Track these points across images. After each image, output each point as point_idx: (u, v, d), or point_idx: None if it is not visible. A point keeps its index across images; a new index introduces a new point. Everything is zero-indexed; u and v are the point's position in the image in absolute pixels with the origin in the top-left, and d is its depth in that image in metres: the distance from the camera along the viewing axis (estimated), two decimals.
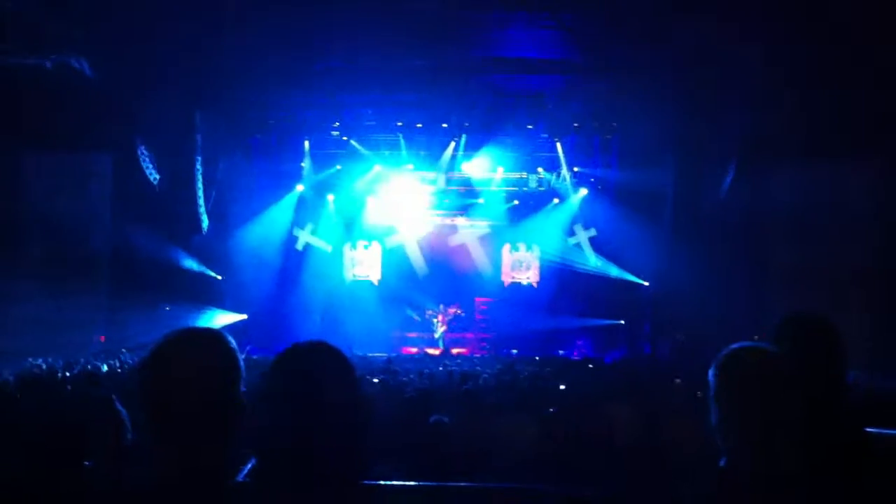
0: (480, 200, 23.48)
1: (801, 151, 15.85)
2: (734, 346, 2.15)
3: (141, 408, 1.90)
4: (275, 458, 1.88)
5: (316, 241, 23.40)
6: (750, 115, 16.31)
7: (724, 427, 2.10)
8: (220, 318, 20.18)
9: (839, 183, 15.96)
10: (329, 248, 23.50)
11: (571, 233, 23.02)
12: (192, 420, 1.84)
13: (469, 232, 24.13)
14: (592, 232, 22.74)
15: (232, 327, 20.24)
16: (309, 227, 23.30)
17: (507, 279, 23.94)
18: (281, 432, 1.87)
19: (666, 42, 14.95)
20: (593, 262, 22.54)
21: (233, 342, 2.02)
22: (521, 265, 23.97)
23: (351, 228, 23.80)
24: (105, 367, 12.25)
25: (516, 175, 23.26)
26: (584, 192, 22.68)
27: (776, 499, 1.98)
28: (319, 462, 1.85)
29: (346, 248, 23.92)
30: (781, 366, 2.10)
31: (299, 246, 23.18)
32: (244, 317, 20.93)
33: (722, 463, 2.11)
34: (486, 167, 22.57)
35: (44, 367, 12.30)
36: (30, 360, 13.28)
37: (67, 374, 11.48)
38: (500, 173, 22.85)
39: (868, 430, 2.80)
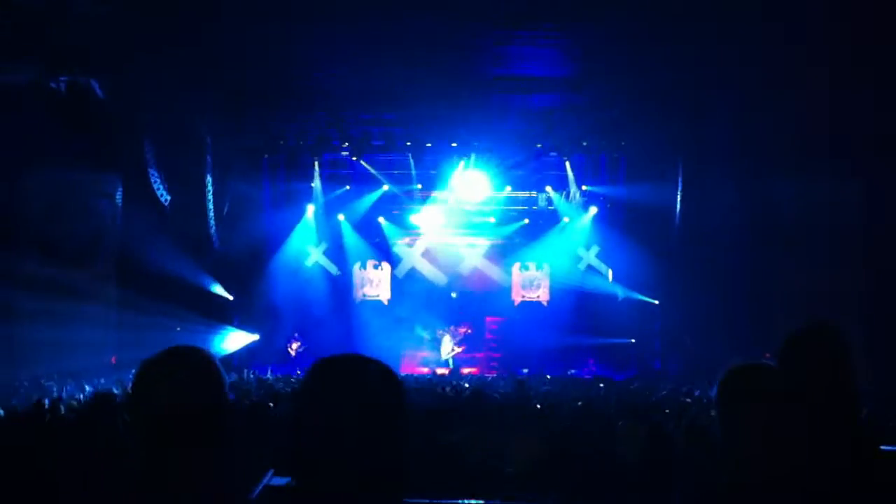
0: (491, 219, 23.51)
1: (802, 164, 15.88)
2: (736, 364, 2.17)
3: (131, 427, 1.94)
4: (310, 472, 1.86)
5: (325, 262, 23.43)
6: (752, 128, 16.36)
7: (729, 443, 2.11)
8: (232, 338, 20.20)
9: (839, 195, 15.99)
10: (338, 272, 23.51)
11: (580, 258, 23.08)
12: (174, 435, 1.88)
13: (478, 251, 24.14)
14: (595, 249, 22.80)
15: (245, 347, 20.36)
16: (322, 246, 23.35)
17: (517, 298, 23.91)
18: (323, 444, 1.85)
19: (670, 58, 15.02)
20: (608, 280, 22.55)
21: (215, 358, 2.04)
22: (532, 284, 23.95)
23: (361, 248, 23.81)
24: (117, 390, 12.25)
25: (525, 194, 23.34)
26: (593, 210, 22.72)
27: None
28: (359, 477, 1.83)
29: (356, 269, 23.93)
30: (782, 382, 2.11)
31: (309, 262, 23.21)
32: (256, 337, 20.94)
33: (729, 478, 2.11)
34: (496, 186, 22.66)
35: (55, 390, 12.33)
36: (42, 381, 13.31)
37: (80, 396, 11.52)
38: (508, 192, 22.92)
39: (883, 447, 2.79)
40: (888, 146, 14.09)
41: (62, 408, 8.92)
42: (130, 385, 1.99)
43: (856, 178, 15.67)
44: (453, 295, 23.63)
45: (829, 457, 2.23)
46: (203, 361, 2.00)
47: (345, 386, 1.91)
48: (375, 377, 1.94)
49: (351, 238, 23.60)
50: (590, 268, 23.05)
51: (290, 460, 1.87)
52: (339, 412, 1.86)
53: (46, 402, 8.96)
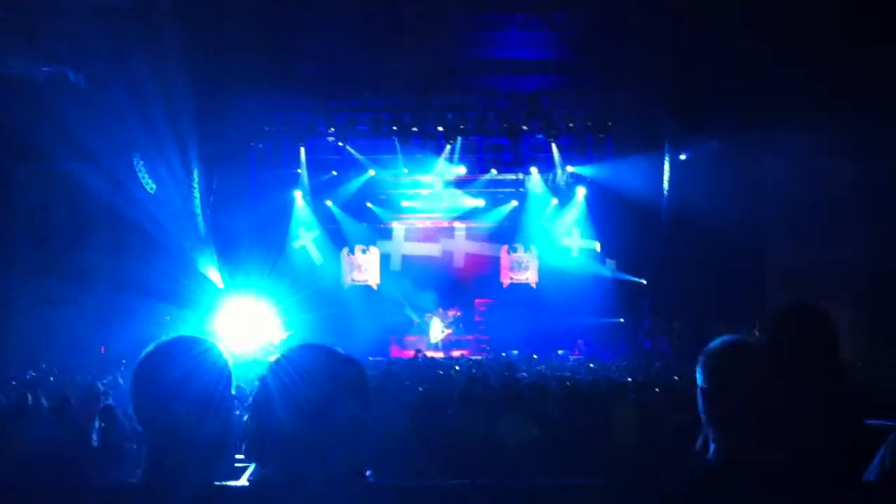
0: (480, 202, 23.52)
1: (795, 142, 15.92)
2: (717, 339, 2.18)
3: (132, 412, 1.96)
4: (275, 457, 1.90)
5: (311, 248, 23.43)
6: (743, 105, 16.35)
7: (711, 418, 2.12)
8: (222, 326, 20.13)
9: (831, 177, 16.07)
10: (321, 260, 23.51)
11: (568, 236, 23.15)
12: (177, 422, 1.89)
13: (466, 234, 24.17)
14: (578, 231, 22.92)
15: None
16: (311, 232, 23.34)
17: (505, 280, 23.96)
18: (280, 430, 1.89)
19: (657, 40, 15.00)
20: (597, 260, 22.63)
21: (221, 349, 2.05)
22: (520, 266, 23.98)
23: (348, 233, 23.80)
24: (106, 380, 12.22)
25: (513, 176, 23.36)
26: (581, 191, 22.74)
27: (765, 488, 2.00)
28: (320, 459, 1.86)
29: (345, 253, 23.93)
30: (763, 357, 2.12)
31: (296, 245, 23.22)
32: (247, 324, 20.85)
33: (711, 455, 2.13)
34: (482, 169, 22.65)
35: (51, 378, 12.31)
36: (31, 373, 13.27)
37: (69, 386, 11.47)
38: (495, 175, 22.92)
39: (868, 421, 2.82)
40: (884, 123, 14.12)
41: (44, 402, 8.89)
42: (132, 375, 1.99)
43: (850, 156, 15.73)
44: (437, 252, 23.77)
45: (812, 432, 2.25)
46: (205, 349, 2.01)
47: (297, 373, 1.94)
48: (328, 365, 1.96)
49: (338, 223, 23.58)
50: (579, 250, 23.11)
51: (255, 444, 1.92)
52: (291, 396, 1.90)
53: (30, 397, 8.91)
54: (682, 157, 19.97)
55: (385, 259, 24.04)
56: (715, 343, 2.18)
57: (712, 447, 2.14)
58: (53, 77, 15.58)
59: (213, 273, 20.45)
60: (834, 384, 2.82)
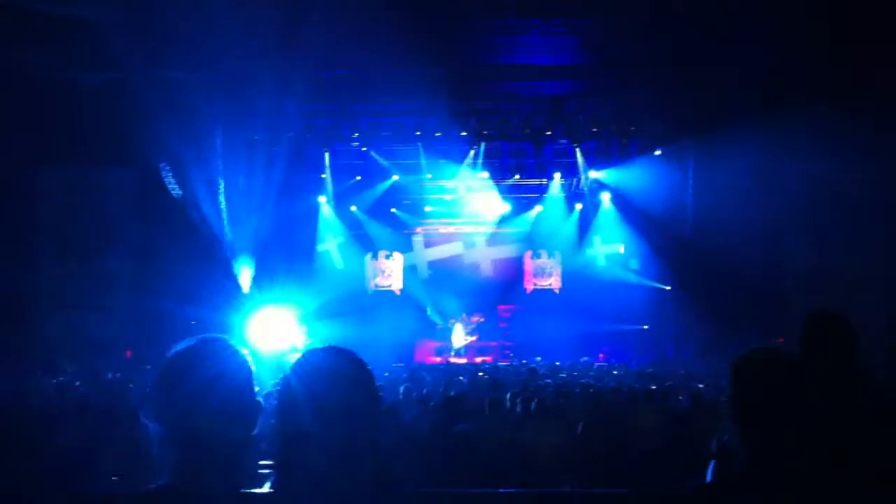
0: (506, 207, 23.47)
1: (811, 149, 15.82)
2: (749, 349, 2.18)
3: (157, 416, 1.96)
4: (295, 464, 1.90)
5: (334, 253, 23.53)
6: (763, 112, 16.26)
7: (740, 429, 2.12)
8: (248, 330, 20.21)
9: (849, 179, 15.95)
10: (342, 265, 23.60)
11: (592, 247, 23.10)
12: (204, 426, 1.90)
13: (490, 240, 24.15)
14: (599, 239, 22.87)
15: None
16: (337, 238, 23.45)
17: (529, 286, 23.91)
18: (299, 437, 1.89)
19: (680, 44, 14.95)
20: (621, 266, 22.55)
21: (244, 352, 2.06)
22: (544, 272, 23.93)
23: (373, 239, 23.86)
24: (131, 384, 12.31)
25: (536, 182, 23.29)
26: (605, 196, 22.66)
27: (792, 496, 1.99)
28: (339, 467, 1.87)
29: (368, 258, 23.99)
30: (795, 368, 2.11)
31: (321, 248, 23.33)
32: (272, 328, 20.93)
33: (740, 464, 2.12)
34: (506, 175, 22.62)
35: (77, 383, 12.41)
36: (59, 378, 13.39)
37: (94, 391, 11.55)
38: (518, 180, 22.88)
39: None
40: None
41: (70, 406, 8.96)
42: (158, 376, 2.00)
43: (868, 159, 15.60)
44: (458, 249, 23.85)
45: (839, 439, 2.23)
46: (232, 352, 2.02)
47: (312, 378, 1.95)
48: (347, 367, 1.96)
49: (363, 229, 23.65)
50: (603, 256, 23.04)
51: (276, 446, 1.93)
52: (309, 402, 1.91)
53: (56, 402, 9.00)
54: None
55: (411, 269, 24.05)
56: (745, 354, 2.18)
57: (743, 455, 2.14)
58: (77, 81, 15.72)
59: (238, 277, 20.55)
60: (859, 390, 2.80)
